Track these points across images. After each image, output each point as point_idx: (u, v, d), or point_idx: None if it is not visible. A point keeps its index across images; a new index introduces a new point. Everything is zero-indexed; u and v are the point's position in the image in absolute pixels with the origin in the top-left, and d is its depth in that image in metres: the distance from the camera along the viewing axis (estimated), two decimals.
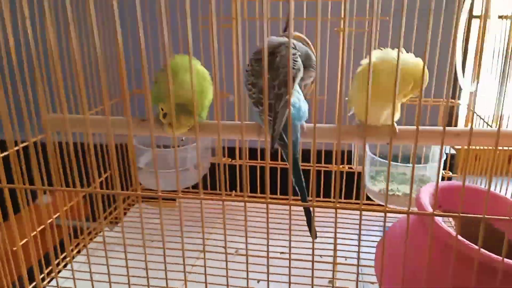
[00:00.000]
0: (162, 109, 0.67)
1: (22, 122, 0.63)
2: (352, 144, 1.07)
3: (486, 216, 0.49)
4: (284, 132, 0.66)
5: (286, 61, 0.66)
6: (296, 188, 0.66)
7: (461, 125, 1.13)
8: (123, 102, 1.08)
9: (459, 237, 0.52)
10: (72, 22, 0.50)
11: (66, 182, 0.74)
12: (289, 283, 0.60)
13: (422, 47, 0.52)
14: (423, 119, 1.03)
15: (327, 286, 0.85)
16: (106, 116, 0.55)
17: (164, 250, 0.59)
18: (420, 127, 0.69)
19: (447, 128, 0.69)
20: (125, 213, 1.12)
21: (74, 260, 0.92)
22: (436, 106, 1.03)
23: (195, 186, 1.15)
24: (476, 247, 0.51)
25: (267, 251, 0.58)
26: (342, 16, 0.93)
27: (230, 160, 1.15)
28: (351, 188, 1.12)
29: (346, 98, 1.05)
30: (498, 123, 0.74)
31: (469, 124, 1.00)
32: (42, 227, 0.79)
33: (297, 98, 0.68)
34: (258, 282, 0.84)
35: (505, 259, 0.50)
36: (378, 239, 1.00)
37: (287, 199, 0.56)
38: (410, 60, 0.65)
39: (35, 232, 0.76)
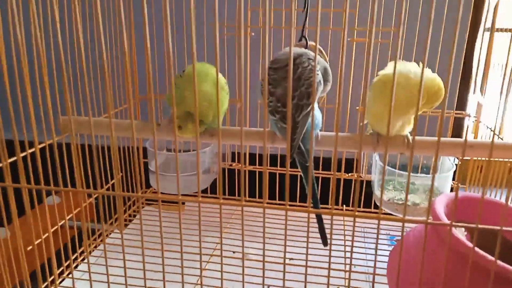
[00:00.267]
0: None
1: (30, 124, 0.64)
2: (362, 152, 1.08)
3: (503, 228, 0.50)
4: (301, 141, 0.68)
5: (308, 72, 0.67)
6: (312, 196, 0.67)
7: (469, 136, 1.14)
8: (136, 106, 1.09)
9: (476, 248, 0.53)
10: (100, 24, 0.51)
11: (75, 184, 0.75)
12: None
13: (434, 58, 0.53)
14: (432, 130, 1.04)
15: None
16: (131, 119, 0.56)
17: (181, 254, 0.60)
18: (432, 138, 0.70)
19: (459, 140, 0.70)
20: (135, 215, 1.13)
21: (85, 261, 0.92)
22: (445, 118, 1.05)
23: (203, 191, 1.16)
24: (492, 258, 0.52)
25: (284, 258, 0.59)
26: (355, 26, 0.95)
27: (238, 165, 1.15)
28: (359, 196, 1.13)
29: (357, 108, 1.07)
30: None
31: (479, 136, 1.02)
32: (55, 227, 0.80)
33: (316, 108, 0.70)
34: None
35: None
36: (385, 247, 1.01)
37: (305, 206, 0.57)
38: (426, 75, 0.66)
39: (48, 233, 0.76)
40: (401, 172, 0.97)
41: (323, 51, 0.93)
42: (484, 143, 0.69)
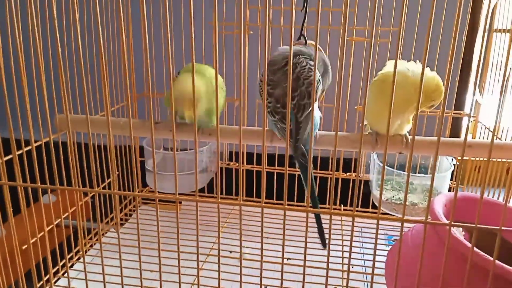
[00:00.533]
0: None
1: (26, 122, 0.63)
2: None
3: (503, 228, 0.49)
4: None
5: (307, 71, 0.67)
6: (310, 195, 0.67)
7: (468, 136, 1.14)
8: (133, 104, 1.08)
9: (475, 248, 0.53)
10: (98, 21, 0.50)
11: (71, 182, 0.74)
12: None
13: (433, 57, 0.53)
14: (430, 129, 1.04)
15: None
16: (128, 118, 0.55)
17: (178, 253, 0.60)
18: (431, 138, 0.70)
19: (458, 140, 0.70)
20: (131, 214, 1.12)
21: (80, 260, 0.92)
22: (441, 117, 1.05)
23: (200, 190, 1.16)
24: (491, 258, 0.52)
25: (282, 257, 0.59)
26: (354, 26, 0.94)
27: (235, 164, 1.15)
28: (357, 196, 1.12)
29: (355, 107, 1.07)
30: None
31: (477, 135, 1.02)
32: (50, 226, 0.79)
33: (315, 108, 0.70)
34: None
35: None
36: (383, 247, 1.01)
37: (303, 205, 0.56)
38: (424, 73, 0.66)
39: (44, 232, 0.75)
40: (399, 171, 0.97)
41: (322, 50, 0.92)
42: (482, 143, 0.69)
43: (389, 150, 0.77)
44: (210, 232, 1.04)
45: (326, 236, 0.73)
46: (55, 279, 0.83)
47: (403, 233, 0.72)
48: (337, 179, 1.09)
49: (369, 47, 0.46)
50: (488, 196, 0.90)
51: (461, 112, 1.06)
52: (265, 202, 1.17)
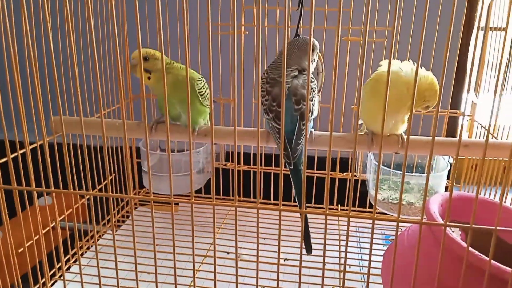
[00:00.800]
0: None
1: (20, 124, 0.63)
2: (357, 151, 1.08)
3: (498, 228, 0.49)
4: (289, 142, 0.67)
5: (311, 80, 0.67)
6: (296, 196, 0.67)
7: (464, 135, 1.14)
8: (129, 105, 1.08)
9: (471, 248, 0.53)
10: (92, 23, 0.50)
11: (67, 184, 0.74)
12: None
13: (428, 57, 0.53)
14: (426, 129, 1.04)
15: None
16: (122, 120, 0.55)
17: (174, 255, 0.59)
18: (427, 138, 0.70)
19: (453, 139, 0.70)
20: (128, 216, 1.12)
21: (77, 263, 0.92)
22: (439, 117, 1.05)
23: (197, 191, 1.15)
24: (487, 258, 0.52)
25: (278, 258, 0.58)
26: (350, 25, 0.94)
27: (232, 164, 1.15)
28: (354, 196, 1.12)
29: (352, 107, 1.07)
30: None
31: (473, 134, 1.02)
32: (47, 229, 0.79)
33: (314, 105, 0.70)
34: None
35: None
36: (380, 247, 1.01)
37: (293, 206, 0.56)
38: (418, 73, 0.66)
39: (41, 234, 0.75)
40: (396, 171, 0.97)
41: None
42: (478, 142, 0.69)
43: (385, 150, 0.77)
44: (208, 233, 1.04)
45: (319, 239, 0.74)
46: (52, 282, 0.83)
47: (399, 232, 0.72)
48: (334, 179, 1.09)
49: (367, 47, 0.46)
50: (485, 194, 0.90)
51: (457, 111, 1.06)
52: (261, 203, 1.17)
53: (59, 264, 0.82)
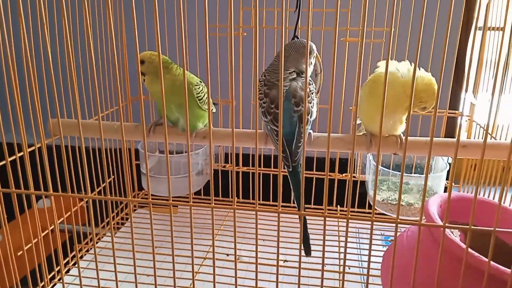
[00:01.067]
0: None
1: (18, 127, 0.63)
2: (356, 152, 1.08)
3: (497, 229, 0.49)
4: (287, 144, 0.67)
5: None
6: (295, 198, 0.67)
7: (462, 135, 1.14)
8: (127, 108, 1.08)
9: (470, 249, 0.52)
10: (90, 25, 0.50)
11: (65, 187, 0.74)
12: None
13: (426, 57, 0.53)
14: (425, 129, 1.04)
15: None
16: (120, 122, 0.55)
17: (173, 257, 0.59)
18: (425, 138, 0.70)
19: (452, 140, 0.70)
20: (127, 218, 1.12)
21: (76, 266, 0.91)
22: (436, 117, 1.05)
23: (196, 193, 1.15)
24: (486, 259, 0.52)
25: (277, 259, 0.58)
26: (348, 26, 0.94)
27: (231, 166, 1.15)
28: (353, 196, 1.12)
29: (350, 108, 1.06)
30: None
31: (472, 135, 1.02)
32: (46, 232, 0.79)
33: (313, 108, 0.70)
34: None
35: None
36: (379, 247, 1.01)
37: (293, 208, 0.56)
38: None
39: (40, 237, 0.75)
40: (395, 172, 0.97)
41: (316, 51, 0.92)
42: (476, 143, 0.69)
43: (384, 151, 0.77)
44: (207, 234, 1.04)
45: (318, 240, 0.74)
46: (51, 285, 0.83)
47: (399, 233, 0.72)
48: (333, 180, 1.09)
49: (363, 47, 0.46)
50: (485, 194, 0.90)
51: (456, 111, 1.06)
52: (261, 205, 1.17)
53: (58, 267, 0.82)
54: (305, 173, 1.13)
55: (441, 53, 0.44)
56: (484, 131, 0.90)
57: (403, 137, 0.71)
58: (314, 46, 0.73)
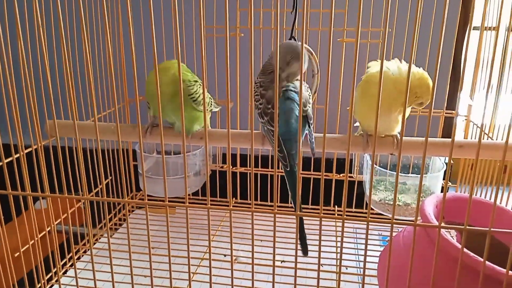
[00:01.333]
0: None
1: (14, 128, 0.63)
2: (353, 153, 1.08)
3: (492, 229, 0.49)
4: (284, 143, 0.67)
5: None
6: (291, 198, 0.67)
7: (459, 135, 1.14)
8: (124, 108, 1.08)
9: (465, 249, 0.53)
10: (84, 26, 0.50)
11: (62, 188, 0.74)
12: None
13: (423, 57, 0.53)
14: (422, 130, 1.04)
15: None
16: (116, 123, 0.55)
17: (169, 258, 0.59)
18: (421, 139, 0.70)
19: (448, 140, 0.70)
20: (125, 219, 1.12)
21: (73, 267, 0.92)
22: (433, 117, 1.05)
23: (194, 193, 1.15)
24: (481, 259, 0.52)
25: (273, 260, 0.58)
26: (345, 27, 0.94)
27: (231, 167, 1.15)
28: (351, 197, 1.12)
29: (347, 108, 1.06)
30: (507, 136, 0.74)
31: (469, 135, 1.02)
32: (43, 233, 0.79)
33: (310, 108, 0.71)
34: None
35: (510, 272, 0.51)
36: (377, 248, 1.01)
37: (287, 208, 0.56)
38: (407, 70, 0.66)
39: (37, 238, 0.75)
40: (392, 172, 0.97)
41: (313, 52, 0.92)
42: (473, 143, 0.69)
43: (381, 151, 0.77)
44: (205, 235, 1.04)
45: (317, 240, 0.73)
46: (48, 286, 0.83)
47: (395, 233, 0.72)
48: (331, 180, 1.09)
49: (360, 48, 0.46)
50: (482, 194, 0.90)
51: (453, 111, 1.06)
52: (258, 205, 1.17)
53: (56, 269, 0.82)
54: (303, 174, 1.13)
55: (439, 54, 0.45)
56: (482, 132, 0.90)
57: (398, 137, 0.71)
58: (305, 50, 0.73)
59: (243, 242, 0.99)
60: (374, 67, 0.72)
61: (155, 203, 0.59)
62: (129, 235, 0.58)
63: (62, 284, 0.83)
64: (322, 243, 0.98)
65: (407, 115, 0.76)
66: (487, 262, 0.52)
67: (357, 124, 0.80)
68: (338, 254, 0.95)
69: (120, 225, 1.10)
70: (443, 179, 0.98)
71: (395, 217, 0.92)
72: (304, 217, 0.69)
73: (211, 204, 0.56)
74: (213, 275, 0.79)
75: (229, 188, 0.56)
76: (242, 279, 0.84)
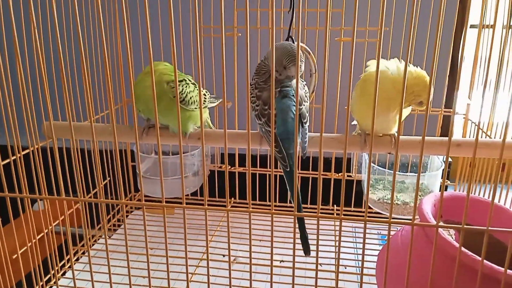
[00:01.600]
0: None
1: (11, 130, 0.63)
2: (351, 152, 1.08)
3: (490, 228, 0.49)
4: (283, 143, 0.67)
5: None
6: (291, 198, 0.67)
7: (457, 134, 1.14)
8: (122, 109, 1.08)
9: (463, 248, 0.52)
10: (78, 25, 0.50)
11: (60, 190, 0.74)
12: None
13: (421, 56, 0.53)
14: (420, 129, 1.04)
15: None
16: (111, 124, 0.55)
17: (167, 258, 0.59)
18: (419, 138, 0.70)
19: (445, 139, 0.70)
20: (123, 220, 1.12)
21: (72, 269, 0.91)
22: (431, 116, 1.05)
23: (193, 193, 1.15)
24: (479, 258, 0.52)
25: (271, 260, 0.58)
26: (342, 26, 0.94)
27: (230, 167, 1.15)
28: (350, 196, 1.12)
29: (346, 107, 1.06)
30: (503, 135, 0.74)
31: (467, 133, 1.01)
32: (41, 235, 0.78)
33: (307, 109, 0.71)
34: None
35: (508, 271, 0.51)
36: (376, 247, 1.01)
37: (288, 207, 0.56)
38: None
39: (35, 240, 0.75)
40: (391, 171, 0.97)
41: (310, 51, 0.92)
42: (471, 141, 0.69)
43: (378, 150, 0.77)
44: (204, 235, 1.03)
45: (313, 241, 0.73)
46: (47, 287, 0.82)
47: (394, 232, 0.72)
48: (329, 180, 1.09)
49: (358, 47, 0.46)
50: (481, 193, 0.90)
51: (451, 110, 1.06)
52: (258, 205, 1.17)
53: (54, 271, 0.82)
54: (301, 173, 1.13)
55: (436, 52, 0.44)
56: (481, 131, 0.90)
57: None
58: (300, 52, 0.74)
59: (242, 242, 0.99)
60: (373, 66, 0.72)
61: (152, 204, 0.59)
62: (126, 236, 0.58)
63: (61, 285, 0.82)
64: (321, 242, 0.98)
65: (406, 114, 0.76)
66: (485, 261, 0.52)
67: (354, 122, 0.80)
68: (337, 254, 0.95)
69: (119, 226, 1.10)
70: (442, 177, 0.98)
71: (393, 216, 0.92)
72: (303, 218, 0.69)
73: (209, 205, 0.56)
74: (212, 276, 0.79)
75: (226, 189, 0.56)
76: (241, 279, 0.84)
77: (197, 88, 0.76)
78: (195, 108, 0.72)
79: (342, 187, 0.54)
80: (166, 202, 0.57)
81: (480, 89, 0.96)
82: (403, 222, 0.55)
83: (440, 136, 1.05)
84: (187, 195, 1.12)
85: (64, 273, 0.89)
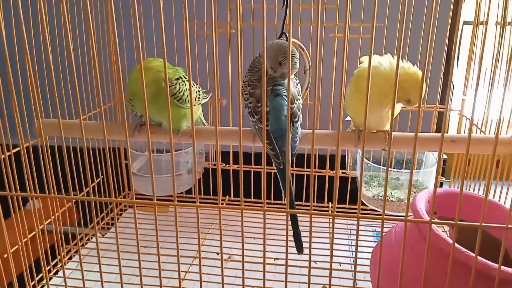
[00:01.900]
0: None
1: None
2: (346, 149, 1.07)
3: (483, 224, 0.49)
4: (276, 140, 0.66)
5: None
6: (285, 196, 0.66)
7: (452, 130, 1.14)
8: (115, 107, 1.07)
9: (456, 244, 0.52)
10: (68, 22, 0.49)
11: (53, 188, 0.73)
12: None
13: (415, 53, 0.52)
14: (415, 125, 1.04)
15: None
16: (102, 121, 0.54)
17: (158, 256, 0.59)
18: (413, 134, 0.69)
19: (439, 135, 0.69)
20: (118, 218, 1.11)
21: (65, 267, 0.91)
22: (426, 112, 1.04)
23: (188, 191, 1.15)
24: (473, 254, 0.51)
25: (264, 257, 0.58)
26: (336, 22, 0.94)
27: (224, 165, 1.14)
28: (345, 193, 1.12)
29: (341, 103, 1.06)
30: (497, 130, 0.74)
31: (462, 129, 1.01)
32: (33, 233, 0.78)
33: (299, 107, 0.70)
34: None
35: (502, 267, 0.51)
36: (371, 244, 1.01)
37: (282, 205, 0.56)
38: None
39: (26, 239, 0.74)
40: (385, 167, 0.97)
41: (304, 48, 0.92)
42: (465, 137, 0.69)
43: (373, 147, 0.76)
44: (200, 233, 1.03)
45: (312, 237, 0.72)
46: (39, 287, 0.82)
47: (388, 229, 0.72)
48: (324, 177, 1.09)
49: (352, 43, 0.46)
50: (475, 189, 0.90)
51: (444, 106, 1.05)
52: (251, 203, 1.16)
53: (45, 270, 0.81)
54: (295, 170, 1.13)
55: (430, 48, 0.44)
56: (476, 127, 0.90)
57: (392, 133, 0.71)
58: (295, 50, 0.73)
59: (236, 241, 0.99)
60: (366, 62, 0.71)
61: (143, 202, 0.59)
62: (117, 234, 0.57)
63: (52, 284, 0.82)
64: (317, 240, 0.98)
65: (397, 111, 0.76)
66: (479, 257, 0.51)
67: (348, 118, 0.79)
68: (334, 251, 0.95)
69: (113, 224, 1.09)
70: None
71: (387, 212, 0.92)
72: (296, 215, 0.69)
73: (203, 202, 0.55)
74: (206, 274, 0.79)
75: (218, 187, 0.55)
76: (235, 277, 0.84)
77: (193, 86, 0.75)
78: (189, 106, 0.71)
79: (335, 184, 0.54)
80: (159, 200, 0.56)
81: (474, 85, 0.96)
82: (396, 218, 0.54)
83: (435, 132, 1.04)
84: (182, 193, 1.11)
85: (56, 272, 0.88)
